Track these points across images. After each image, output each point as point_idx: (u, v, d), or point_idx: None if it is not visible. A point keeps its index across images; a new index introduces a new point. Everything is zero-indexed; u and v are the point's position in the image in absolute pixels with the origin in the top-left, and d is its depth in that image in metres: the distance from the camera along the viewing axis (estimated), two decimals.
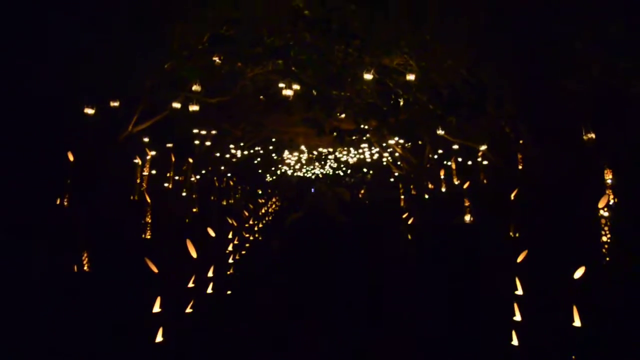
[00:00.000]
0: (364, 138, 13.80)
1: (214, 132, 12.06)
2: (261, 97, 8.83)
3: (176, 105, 7.05)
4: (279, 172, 30.50)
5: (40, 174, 6.42)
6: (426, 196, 13.27)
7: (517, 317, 5.24)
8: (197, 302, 6.45)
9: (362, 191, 21.80)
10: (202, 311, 6.83)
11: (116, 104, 6.15)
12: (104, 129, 6.78)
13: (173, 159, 11.93)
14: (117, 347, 4.84)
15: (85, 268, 5.46)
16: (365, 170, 27.92)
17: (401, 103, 7.04)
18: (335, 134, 9.26)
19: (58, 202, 6.66)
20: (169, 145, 11.15)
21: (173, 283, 6.06)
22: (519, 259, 5.33)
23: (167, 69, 6.27)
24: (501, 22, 5.89)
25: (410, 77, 6.47)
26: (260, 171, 24.61)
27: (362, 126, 9.74)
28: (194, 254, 6.09)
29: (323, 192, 4.76)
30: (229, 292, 8.97)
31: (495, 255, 6.76)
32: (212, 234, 7.70)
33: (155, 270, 4.94)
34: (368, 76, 6.29)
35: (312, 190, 4.90)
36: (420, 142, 12.47)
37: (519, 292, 5.30)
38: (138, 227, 7.65)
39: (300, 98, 7.89)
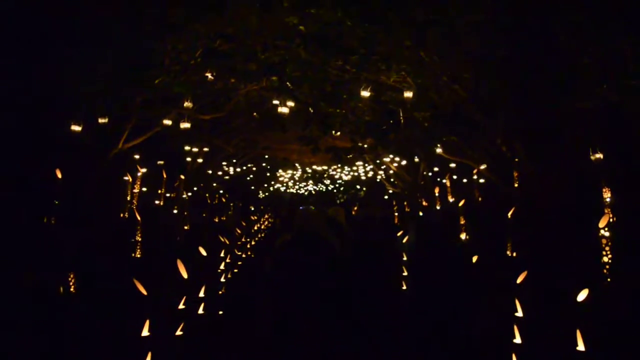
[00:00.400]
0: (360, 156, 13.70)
1: (205, 149, 11.90)
2: (255, 114, 8.69)
3: (167, 122, 6.92)
4: (272, 189, 30.36)
5: (26, 191, 6.25)
6: (420, 213, 13.15)
7: (517, 340, 5.10)
8: (187, 324, 6.25)
9: (355, 208, 21.68)
10: (193, 333, 6.63)
11: (105, 120, 6.02)
12: (93, 145, 6.64)
13: (165, 176, 11.75)
14: None
15: (72, 289, 5.27)
16: (358, 187, 27.85)
17: (402, 121, 6.94)
18: (331, 154, 9.13)
19: (45, 220, 6.47)
20: (160, 162, 10.96)
21: (163, 304, 5.87)
22: (519, 280, 5.21)
23: (158, 85, 6.16)
24: (502, 36, 5.84)
25: (408, 94, 6.38)
26: (253, 188, 24.46)
27: (359, 144, 9.62)
28: (184, 274, 5.92)
29: (311, 213, 4.66)
30: (220, 313, 8.78)
31: (493, 274, 6.63)
32: (204, 253, 7.52)
33: (144, 292, 4.77)
34: (365, 93, 6.18)
35: (301, 208, 4.79)
36: (416, 159, 12.37)
37: (519, 313, 5.16)
38: (128, 245, 7.46)
39: (295, 115, 7.79)
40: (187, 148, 11.23)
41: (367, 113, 7.98)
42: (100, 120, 6.01)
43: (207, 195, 15.91)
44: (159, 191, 11.94)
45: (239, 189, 21.29)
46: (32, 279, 5.00)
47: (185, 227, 12.47)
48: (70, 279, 5.27)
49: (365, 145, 10.00)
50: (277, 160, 18.47)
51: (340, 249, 4.82)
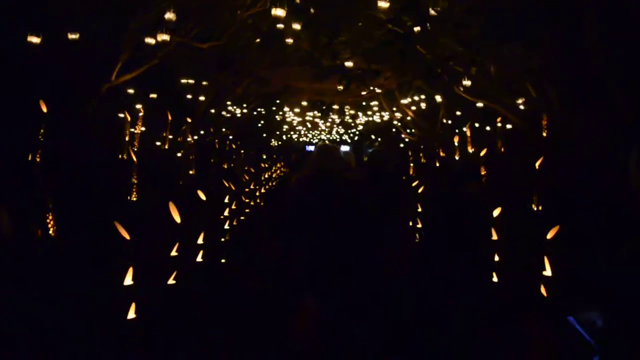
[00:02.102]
0: (376, 89, 12.68)
1: (205, 83, 11.10)
2: (257, 40, 7.87)
3: (150, 40, 6.21)
4: (284, 136, 29.76)
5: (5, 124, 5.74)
6: (437, 164, 12.53)
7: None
8: (181, 272, 5.85)
9: (366, 158, 21.16)
10: (189, 282, 6.25)
11: (75, 36, 5.35)
12: (83, 77, 6.04)
13: (170, 118, 11.17)
14: (82, 324, 4.25)
15: (51, 232, 4.81)
16: (373, 136, 27.14)
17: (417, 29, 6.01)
18: (343, 83, 8.22)
19: (30, 158, 5.95)
20: (153, 95, 10.24)
21: (152, 251, 5.44)
22: (549, 236, 4.67)
23: None
24: None
25: (432, 12, 5.56)
26: (264, 135, 23.93)
27: (371, 69, 8.79)
28: (177, 219, 5.46)
29: (328, 148, 4.20)
30: (223, 261, 8.42)
31: (517, 229, 6.08)
32: (203, 197, 7.04)
33: (127, 236, 4.30)
34: (383, 4, 5.38)
35: (314, 148, 4.38)
36: (438, 99, 11.35)
37: (547, 272, 4.65)
38: (122, 188, 6.98)
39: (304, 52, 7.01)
40: (184, 81, 10.41)
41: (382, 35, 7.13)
42: (70, 36, 5.34)
43: (215, 140, 15.41)
44: (164, 134, 11.43)
45: (251, 136, 20.79)
46: (6, 219, 4.51)
47: (191, 172, 12.05)
48: (49, 221, 4.80)
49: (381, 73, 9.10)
50: (289, 102, 17.67)
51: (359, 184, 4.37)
